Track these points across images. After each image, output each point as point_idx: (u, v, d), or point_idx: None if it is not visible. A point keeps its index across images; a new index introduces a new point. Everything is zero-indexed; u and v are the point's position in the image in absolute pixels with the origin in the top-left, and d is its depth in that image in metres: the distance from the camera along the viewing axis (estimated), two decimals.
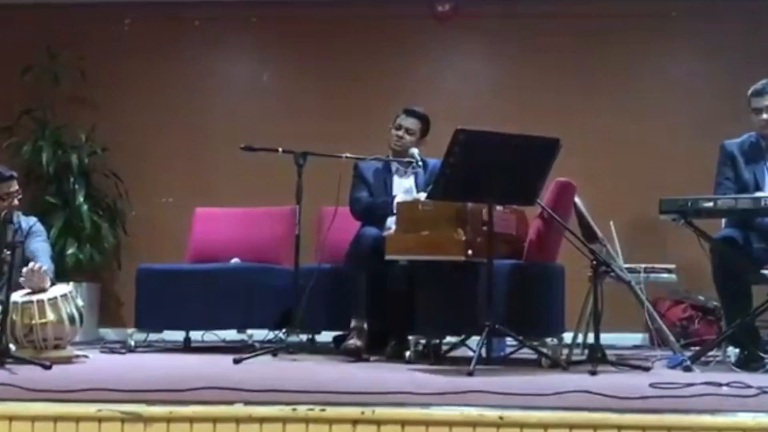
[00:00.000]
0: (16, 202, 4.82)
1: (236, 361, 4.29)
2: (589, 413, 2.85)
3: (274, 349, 4.69)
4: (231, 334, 5.50)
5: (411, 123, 5.09)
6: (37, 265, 4.45)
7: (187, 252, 5.90)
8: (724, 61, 6.75)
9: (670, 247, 5.98)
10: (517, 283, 4.40)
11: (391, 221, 4.80)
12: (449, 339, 4.83)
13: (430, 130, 5.15)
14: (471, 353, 4.28)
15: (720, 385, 3.29)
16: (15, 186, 4.83)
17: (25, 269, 4.42)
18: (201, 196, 6.47)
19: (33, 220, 4.94)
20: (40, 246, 4.78)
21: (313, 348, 5.21)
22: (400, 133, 5.07)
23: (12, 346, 4.19)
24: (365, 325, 4.63)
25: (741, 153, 4.58)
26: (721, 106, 6.48)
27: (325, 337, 5.39)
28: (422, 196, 4.68)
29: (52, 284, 4.56)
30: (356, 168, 5.16)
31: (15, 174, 4.91)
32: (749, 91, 4.57)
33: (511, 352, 4.91)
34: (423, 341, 4.51)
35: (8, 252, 4.27)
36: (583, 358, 4.42)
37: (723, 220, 4.67)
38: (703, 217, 4.30)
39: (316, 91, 7.03)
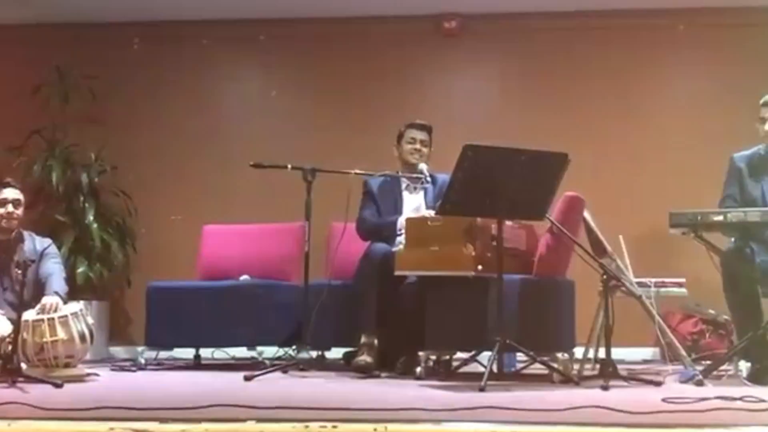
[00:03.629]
0: (11, 209, 4.79)
1: (247, 379, 4.29)
2: (603, 428, 2.84)
3: (285, 366, 4.69)
4: (241, 351, 5.50)
5: (424, 136, 5.14)
6: (49, 302, 4.48)
7: (196, 269, 5.91)
8: (733, 74, 6.73)
9: (680, 261, 5.96)
10: (528, 298, 4.39)
11: (400, 238, 4.81)
12: (460, 355, 4.82)
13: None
14: (482, 369, 4.26)
15: (733, 399, 3.27)
16: (12, 194, 4.83)
17: (40, 305, 4.45)
18: (210, 214, 6.47)
19: (47, 241, 4.96)
20: (54, 267, 4.81)
21: (323, 364, 5.20)
22: (418, 146, 5.10)
23: (23, 365, 4.20)
24: (375, 341, 4.62)
25: (749, 166, 4.57)
26: (730, 120, 6.46)
27: (335, 353, 5.39)
28: (431, 213, 4.69)
29: (64, 303, 4.58)
30: (366, 185, 5.18)
31: (11, 181, 4.92)
32: (760, 101, 4.56)
33: (522, 368, 4.90)
34: (433, 357, 4.51)
35: (19, 271, 4.29)
36: (595, 372, 4.41)
37: None
38: (713, 231, 4.28)
39: (324, 107, 7.05)
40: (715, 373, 4.33)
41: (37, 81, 6.82)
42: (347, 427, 2.87)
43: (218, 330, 5.26)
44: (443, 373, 4.51)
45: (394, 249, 4.72)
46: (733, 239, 4.55)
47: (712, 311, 6.11)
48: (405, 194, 5.17)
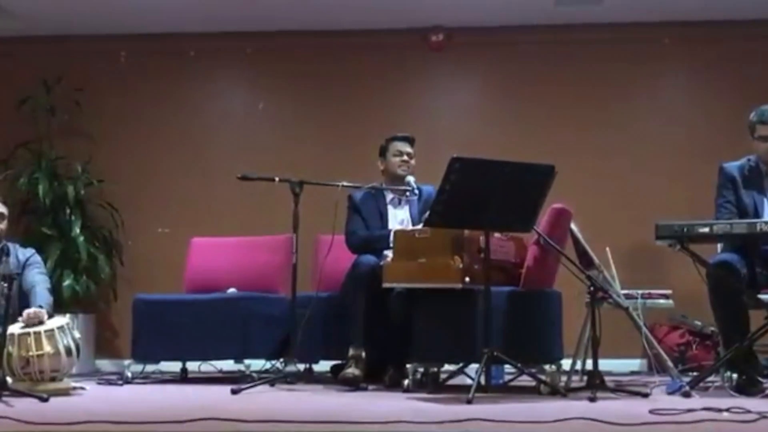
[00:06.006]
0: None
1: (234, 392, 4.28)
2: None
3: (272, 379, 4.68)
4: (228, 365, 5.49)
5: (409, 147, 5.15)
6: (33, 311, 4.45)
7: (183, 282, 5.89)
8: (718, 85, 6.81)
9: (666, 273, 5.99)
10: (515, 310, 4.40)
11: (388, 251, 4.80)
12: (447, 367, 4.81)
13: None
14: (469, 381, 4.27)
15: (720, 410, 3.28)
16: None
17: (23, 315, 4.42)
18: (197, 226, 6.47)
19: (30, 251, 4.94)
20: (38, 278, 4.77)
21: (310, 377, 5.19)
22: (405, 158, 5.11)
23: (9, 379, 4.17)
24: (363, 354, 4.61)
25: (741, 177, 4.57)
26: (716, 131, 6.53)
27: (323, 366, 5.38)
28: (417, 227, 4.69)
29: (50, 316, 4.55)
30: (350, 199, 5.17)
31: None
32: (753, 118, 4.53)
33: (510, 380, 4.90)
34: (421, 369, 4.50)
35: (5, 284, 4.27)
36: (582, 384, 4.42)
37: (719, 245, 4.67)
38: (699, 243, 4.29)
39: (311, 120, 7.06)
40: (701, 384, 4.34)
41: (24, 94, 6.82)
42: None
43: (205, 343, 5.24)
44: (431, 385, 4.51)
45: (382, 261, 4.72)
46: (719, 250, 4.58)
47: (698, 322, 6.13)
48: (389, 208, 5.17)
